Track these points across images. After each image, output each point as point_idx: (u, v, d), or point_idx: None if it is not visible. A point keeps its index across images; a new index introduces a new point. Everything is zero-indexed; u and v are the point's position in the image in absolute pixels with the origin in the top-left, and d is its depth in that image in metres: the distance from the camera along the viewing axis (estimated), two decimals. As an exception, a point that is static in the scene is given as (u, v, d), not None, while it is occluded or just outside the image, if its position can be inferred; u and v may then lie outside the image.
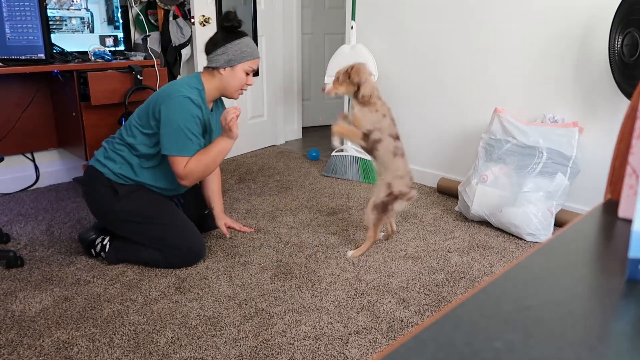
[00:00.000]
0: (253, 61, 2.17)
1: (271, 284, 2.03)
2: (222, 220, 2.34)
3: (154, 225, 2.12)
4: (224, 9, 3.49)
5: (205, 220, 2.43)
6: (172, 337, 1.68)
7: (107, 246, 2.17)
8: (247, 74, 2.18)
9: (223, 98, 2.32)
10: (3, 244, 2.35)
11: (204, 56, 2.15)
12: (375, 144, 2.15)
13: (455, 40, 2.96)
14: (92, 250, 2.20)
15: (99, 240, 2.20)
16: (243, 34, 2.16)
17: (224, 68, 2.12)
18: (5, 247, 2.31)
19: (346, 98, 3.57)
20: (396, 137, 2.19)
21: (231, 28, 2.12)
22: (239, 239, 2.44)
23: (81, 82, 2.68)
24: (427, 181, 3.27)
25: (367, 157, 3.37)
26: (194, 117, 2.03)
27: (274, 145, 4.24)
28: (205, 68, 2.17)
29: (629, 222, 0.60)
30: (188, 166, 2.03)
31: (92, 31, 3.03)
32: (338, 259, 2.24)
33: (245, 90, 2.24)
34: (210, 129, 2.21)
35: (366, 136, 2.14)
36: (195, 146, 2.06)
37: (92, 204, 2.17)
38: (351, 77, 2.12)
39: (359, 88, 2.12)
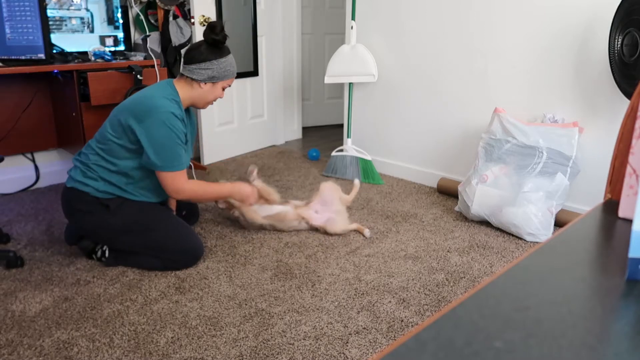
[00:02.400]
0: (232, 79, 2.19)
1: (271, 284, 2.03)
2: None
3: (150, 232, 2.09)
4: (224, 9, 3.50)
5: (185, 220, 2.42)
6: (172, 337, 1.68)
7: (107, 252, 2.16)
8: (223, 89, 2.18)
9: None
10: (3, 244, 2.35)
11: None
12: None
13: (455, 40, 2.96)
14: (94, 255, 2.20)
15: (98, 247, 2.18)
16: (228, 51, 2.13)
17: (206, 83, 2.10)
18: (5, 247, 2.31)
19: (346, 98, 3.57)
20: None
21: (217, 43, 2.07)
22: (239, 238, 2.44)
23: (81, 82, 2.68)
24: (427, 181, 3.27)
25: (367, 157, 3.37)
26: (180, 133, 2.01)
27: (274, 145, 4.24)
28: (182, 77, 2.12)
29: (629, 222, 0.60)
30: (189, 185, 2.07)
31: (92, 31, 3.03)
32: (338, 259, 2.24)
33: (214, 102, 2.26)
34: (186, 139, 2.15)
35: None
36: (186, 159, 2.08)
37: (84, 226, 2.11)
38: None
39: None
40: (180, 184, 2.04)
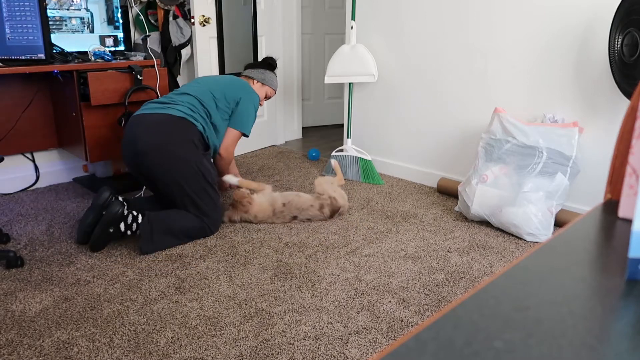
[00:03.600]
0: (273, 90, 2.93)
1: (271, 284, 2.03)
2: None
3: (213, 189, 2.44)
4: (224, 9, 3.50)
5: None
6: (172, 337, 1.68)
7: (139, 217, 2.25)
8: (265, 98, 2.90)
9: None
10: (3, 244, 2.35)
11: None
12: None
13: (455, 40, 2.96)
14: (122, 224, 2.22)
15: (127, 212, 2.24)
16: (275, 72, 2.96)
17: (258, 82, 2.84)
18: (5, 247, 2.31)
19: (346, 98, 3.57)
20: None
21: (272, 66, 2.93)
22: (239, 238, 2.44)
23: (81, 82, 2.68)
24: (427, 181, 3.27)
25: (367, 157, 3.37)
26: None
27: (274, 145, 4.24)
28: (243, 76, 2.84)
29: (629, 222, 0.60)
30: (233, 152, 2.69)
31: (92, 31, 3.03)
32: (338, 259, 2.24)
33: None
34: None
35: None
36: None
37: (176, 154, 2.31)
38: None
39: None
40: (234, 146, 2.68)
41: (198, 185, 2.36)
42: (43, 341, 1.66)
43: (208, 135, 2.46)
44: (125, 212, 2.23)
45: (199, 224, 2.37)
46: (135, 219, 2.24)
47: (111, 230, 2.22)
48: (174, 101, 2.45)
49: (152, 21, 3.38)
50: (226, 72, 3.64)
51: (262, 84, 2.85)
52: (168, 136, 2.31)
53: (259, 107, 2.81)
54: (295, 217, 2.60)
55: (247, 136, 2.70)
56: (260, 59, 3.99)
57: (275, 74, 2.94)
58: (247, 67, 2.92)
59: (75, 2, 2.93)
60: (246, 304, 1.88)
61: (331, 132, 4.73)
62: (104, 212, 2.23)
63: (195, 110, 2.44)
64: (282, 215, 2.59)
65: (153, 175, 2.33)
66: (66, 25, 2.93)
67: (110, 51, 3.03)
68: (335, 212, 2.65)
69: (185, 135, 2.35)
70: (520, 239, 2.45)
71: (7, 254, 2.11)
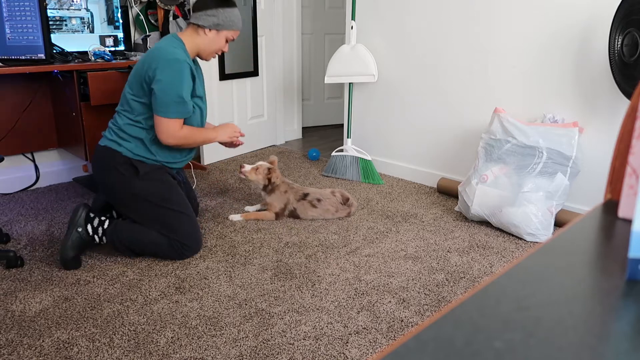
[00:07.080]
0: (236, 31, 2.29)
1: (271, 284, 2.03)
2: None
3: (166, 207, 2.18)
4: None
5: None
6: (172, 337, 1.68)
7: (106, 223, 2.16)
8: (227, 42, 2.29)
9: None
10: (3, 244, 2.35)
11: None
12: (294, 212, 2.68)
13: (455, 40, 2.96)
14: (89, 226, 2.14)
15: (93, 215, 2.16)
16: (234, 4, 2.25)
17: (210, 29, 2.21)
18: (5, 247, 2.31)
19: (346, 98, 3.57)
20: (303, 197, 2.67)
21: None
22: (239, 238, 2.44)
23: (81, 82, 2.68)
24: (427, 181, 3.27)
25: (367, 157, 3.37)
26: (184, 77, 2.11)
27: (274, 145, 4.24)
28: (190, 25, 2.24)
29: (629, 222, 0.60)
30: (182, 132, 2.16)
31: (92, 31, 3.03)
32: (338, 259, 2.24)
33: (218, 54, 2.34)
34: (196, 83, 2.25)
35: (282, 210, 2.67)
36: (189, 108, 2.17)
37: (111, 185, 2.18)
38: (271, 176, 2.63)
39: (269, 182, 2.64)
40: (173, 130, 2.14)
41: (139, 208, 2.17)
42: (43, 341, 1.66)
43: (138, 153, 2.17)
44: (92, 214, 2.16)
45: (165, 242, 2.16)
46: (101, 223, 2.15)
47: (79, 230, 2.12)
48: (110, 126, 2.24)
49: (152, 21, 3.38)
50: (226, 72, 3.64)
51: (217, 30, 2.21)
52: (98, 174, 2.22)
53: (221, 54, 2.35)
54: (314, 206, 2.65)
55: (176, 117, 2.13)
56: (260, 59, 4.00)
57: (232, 3, 2.24)
58: (195, 6, 2.22)
59: (75, 2, 2.93)
60: (246, 304, 1.88)
61: (331, 132, 4.73)
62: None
63: (122, 130, 2.18)
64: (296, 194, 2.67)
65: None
66: (66, 25, 2.93)
67: (110, 51, 3.03)
68: (346, 199, 2.71)
69: (109, 166, 2.16)
70: (520, 239, 2.45)
71: (7, 254, 2.11)
